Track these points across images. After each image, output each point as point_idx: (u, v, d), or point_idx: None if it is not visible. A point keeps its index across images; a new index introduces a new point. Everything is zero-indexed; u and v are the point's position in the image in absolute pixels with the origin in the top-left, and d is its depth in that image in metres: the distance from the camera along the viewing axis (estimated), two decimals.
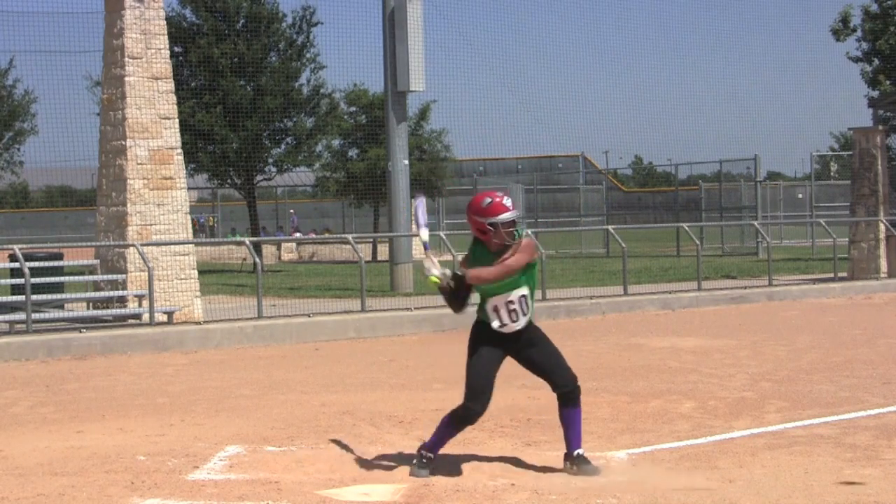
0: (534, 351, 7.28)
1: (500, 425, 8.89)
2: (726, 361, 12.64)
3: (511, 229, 7.13)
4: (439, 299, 18.27)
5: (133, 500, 6.78)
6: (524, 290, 7.16)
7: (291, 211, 51.45)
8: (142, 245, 16.01)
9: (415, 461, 7.30)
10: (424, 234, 7.44)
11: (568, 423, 7.33)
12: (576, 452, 7.29)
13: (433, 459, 7.28)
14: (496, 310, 7.13)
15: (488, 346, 7.18)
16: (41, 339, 14.33)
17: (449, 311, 7.44)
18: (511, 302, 7.12)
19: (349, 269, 29.63)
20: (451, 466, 7.42)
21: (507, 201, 7.14)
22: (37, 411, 10.15)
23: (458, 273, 7.10)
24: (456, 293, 7.19)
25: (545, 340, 7.35)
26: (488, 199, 7.16)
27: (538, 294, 18.84)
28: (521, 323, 7.17)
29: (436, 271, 7.10)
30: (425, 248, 7.37)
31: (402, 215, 22.43)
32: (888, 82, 31.72)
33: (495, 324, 7.14)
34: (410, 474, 7.21)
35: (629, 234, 32.10)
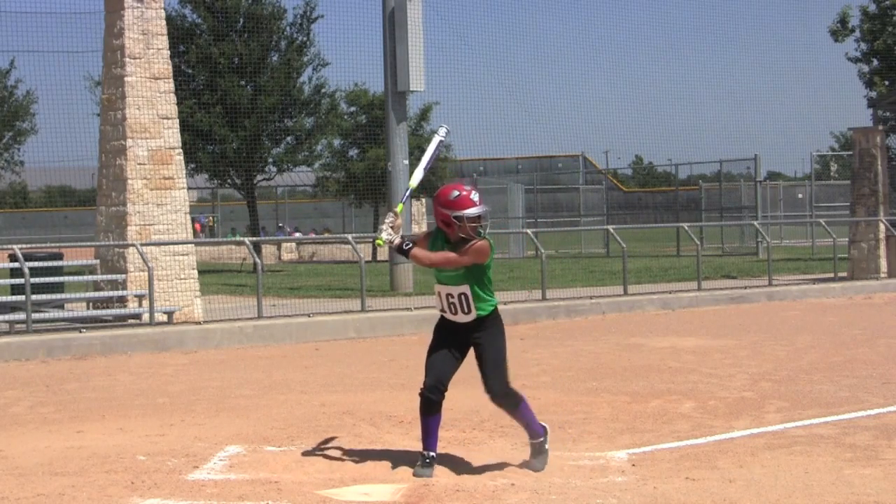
0: (482, 347, 7.31)
1: (500, 425, 8.88)
2: (726, 361, 12.64)
3: (476, 224, 7.17)
4: None
5: (133, 500, 6.78)
6: (465, 289, 7.19)
7: (280, 225, 49.45)
8: (142, 245, 16.01)
9: (419, 461, 7.31)
10: (416, 179, 7.59)
11: (517, 420, 7.49)
12: (530, 441, 7.45)
13: (434, 457, 7.29)
14: (439, 295, 7.33)
15: (444, 330, 7.37)
16: (41, 339, 14.33)
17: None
18: (451, 295, 7.25)
19: (349, 269, 29.63)
20: (451, 466, 7.43)
21: (475, 196, 7.19)
22: (37, 411, 10.15)
23: (405, 247, 7.22)
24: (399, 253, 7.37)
25: (496, 342, 7.32)
26: (456, 192, 7.19)
27: (538, 294, 18.95)
28: (461, 318, 7.25)
29: (384, 235, 7.28)
30: (403, 199, 7.64)
31: (402, 215, 22.41)
32: (886, 83, 31.70)
33: (436, 306, 7.38)
34: (414, 475, 7.21)
35: (629, 234, 32.11)
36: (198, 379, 12.19)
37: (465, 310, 7.22)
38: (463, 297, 7.20)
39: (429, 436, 7.29)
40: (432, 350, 7.38)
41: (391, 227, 7.29)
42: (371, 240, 36.20)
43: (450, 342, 7.32)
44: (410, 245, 7.25)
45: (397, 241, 7.24)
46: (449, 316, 7.32)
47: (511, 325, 16.56)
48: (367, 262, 21.78)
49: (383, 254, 33.18)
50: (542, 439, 7.42)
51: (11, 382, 12.08)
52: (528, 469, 7.35)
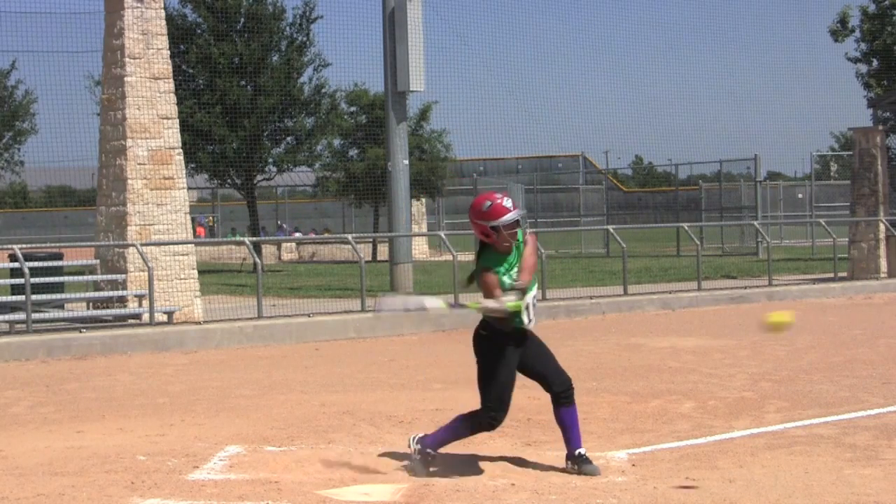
0: (532, 352, 7.28)
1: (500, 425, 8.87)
2: (726, 361, 12.64)
3: (514, 230, 7.11)
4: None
5: (133, 500, 6.78)
6: (535, 287, 7.23)
7: (281, 225, 49.65)
8: (142, 245, 16.01)
9: (418, 457, 7.27)
10: (435, 302, 7.33)
11: (565, 423, 7.33)
12: (577, 452, 7.29)
13: (436, 457, 7.29)
14: (528, 308, 7.13)
15: (509, 353, 7.16)
16: (41, 339, 14.33)
17: (449, 310, 7.41)
18: (536, 297, 7.22)
19: (349, 269, 29.63)
20: (451, 466, 7.42)
21: (508, 202, 7.09)
22: (37, 411, 10.16)
23: (518, 286, 7.06)
24: (497, 316, 7.09)
25: (541, 342, 7.38)
26: (488, 202, 7.10)
27: (538, 294, 18.90)
28: (535, 319, 7.23)
29: (512, 296, 7.01)
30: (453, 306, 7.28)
31: (403, 215, 22.42)
32: (884, 83, 31.68)
33: (526, 320, 7.13)
34: (410, 472, 7.20)
35: (629, 234, 32.08)
36: (198, 379, 12.19)
37: (536, 307, 7.25)
38: (534, 297, 7.23)
39: (448, 444, 7.32)
40: (506, 375, 7.17)
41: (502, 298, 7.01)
42: (372, 240, 36.42)
43: (515, 363, 7.22)
44: (519, 282, 7.02)
45: (512, 298, 6.98)
46: (532, 324, 7.18)
47: None
48: (367, 262, 21.77)
49: (383, 254, 33.19)
50: (584, 449, 7.34)
51: (11, 382, 12.09)
52: (585, 475, 7.20)
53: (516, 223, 7.11)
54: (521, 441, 8.34)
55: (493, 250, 7.16)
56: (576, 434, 7.32)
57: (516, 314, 7.04)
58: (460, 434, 7.33)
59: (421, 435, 7.41)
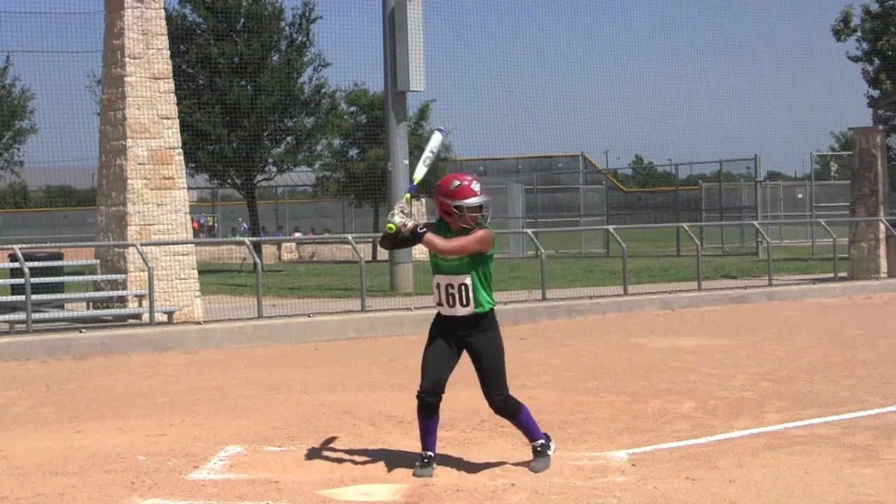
0: (480, 354, 7.26)
1: (500, 425, 8.88)
2: (726, 361, 12.64)
3: (476, 214, 7.15)
4: None
5: (133, 500, 6.78)
6: (467, 280, 7.13)
7: (280, 226, 49.29)
8: (142, 245, 16.01)
9: (418, 462, 7.32)
10: (421, 173, 7.44)
11: (517, 427, 7.50)
12: (531, 445, 7.43)
13: (433, 457, 7.30)
14: (437, 287, 7.24)
15: (439, 331, 7.30)
16: (41, 339, 14.33)
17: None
18: (451, 286, 7.16)
19: (349, 269, 29.64)
20: (451, 466, 7.43)
21: (476, 186, 7.15)
22: (37, 411, 10.15)
23: (420, 231, 7.06)
24: (399, 241, 7.17)
25: (494, 349, 7.27)
26: (456, 182, 7.17)
27: (538, 294, 18.95)
28: (459, 311, 7.17)
29: (398, 219, 7.06)
30: (410, 190, 7.39)
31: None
32: (888, 82, 31.70)
33: (434, 299, 7.28)
34: (414, 475, 7.22)
35: (629, 234, 32.11)
36: (198, 379, 12.19)
37: (464, 302, 7.14)
38: (463, 287, 7.13)
39: (427, 436, 7.30)
40: (428, 351, 7.32)
41: (402, 212, 7.10)
42: (372, 240, 36.42)
43: (445, 341, 7.26)
44: (425, 230, 7.08)
45: (410, 224, 7.05)
46: (446, 310, 7.22)
47: (511, 325, 16.58)
48: (367, 262, 21.77)
49: (383, 254, 33.19)
50: (541, 441, 7.42)
51: (11, 382, 12.08)
52: (529, 469, 7.36)
53: (479, 208, 7.13)
54: (521, 441, 8.34)
55: (447, 229, 7.22)
56: (529, 432, 7.43)
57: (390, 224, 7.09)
58: (422, 424, 7.33)
59: None
